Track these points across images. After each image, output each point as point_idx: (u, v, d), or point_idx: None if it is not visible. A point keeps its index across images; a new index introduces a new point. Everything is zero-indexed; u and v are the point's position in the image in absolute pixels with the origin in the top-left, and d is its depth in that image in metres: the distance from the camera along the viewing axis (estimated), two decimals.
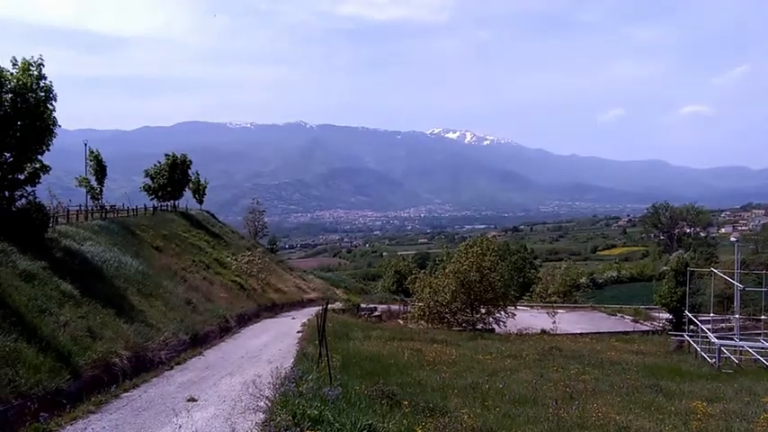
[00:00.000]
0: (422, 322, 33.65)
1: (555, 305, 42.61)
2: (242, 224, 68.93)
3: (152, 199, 44.05)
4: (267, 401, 9.74)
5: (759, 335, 27.28)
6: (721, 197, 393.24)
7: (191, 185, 49.58)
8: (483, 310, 34.34)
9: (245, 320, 27.44)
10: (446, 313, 33.59)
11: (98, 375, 12.72)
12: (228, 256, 38.38)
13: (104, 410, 10.83)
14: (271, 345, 19.78)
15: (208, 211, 54.89)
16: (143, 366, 14.81)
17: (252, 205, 68.42)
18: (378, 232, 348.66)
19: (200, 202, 53.26)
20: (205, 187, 53.64)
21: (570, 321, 38.93)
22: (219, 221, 56.44)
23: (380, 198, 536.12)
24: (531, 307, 47.73)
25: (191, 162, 46.86)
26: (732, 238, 34.31)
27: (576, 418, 11.13)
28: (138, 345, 15.45)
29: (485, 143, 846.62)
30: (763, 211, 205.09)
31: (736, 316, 27.43)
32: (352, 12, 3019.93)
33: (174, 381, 13.68)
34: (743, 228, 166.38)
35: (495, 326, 33.80)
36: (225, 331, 23.21)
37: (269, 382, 10.89)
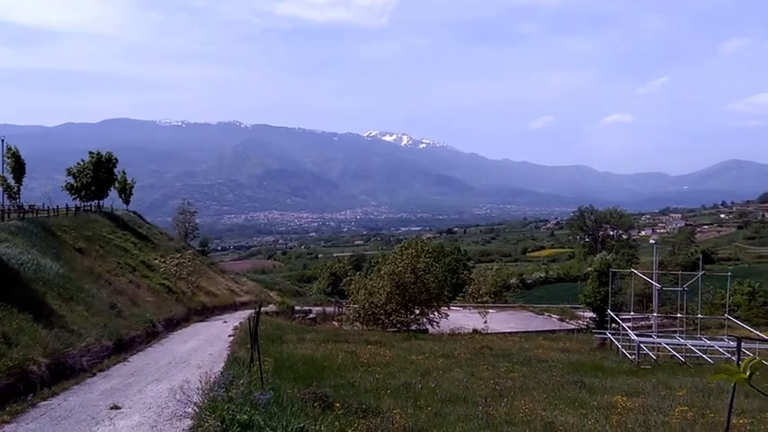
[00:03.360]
0: (357, 324, 33.65)
1: (486, 305, 43.56)
2: (171, 225, 66.76)
3: (74, 199, 42.07)
4: (195, 407, 9.49)
5: (675, 332, 28.93)
6: (642, 202, 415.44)
7: (116, 185, 47.61)
8: (417, 311, 34.72)
9: (173, 325, 26.57)
10: (381, 315, 33.74)
11: (14, 384, 12.01)
12: (156, 259, 37.07)
13: (20, 420, 10.23)
14: (200, 349, 19.25)
15: (135, 212, 52.85)
16: (63, 374, 14.08)
17: (182, 206, 66.36)
18: (313, 234, 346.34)
19: (127, 202, 51.20)
20: (132, 187, 51.59)
21: (501, 321, 39.98)
22: (147, 222, 54.46)
23: (316, 200, 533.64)
24: (464, 307, 48.66)
25: (116, 160, 45.08)
26: (651, 241, 36.45)
27: (505, 415, 11.42)
28: (58, 351, 14.68)
29: (421, 146, 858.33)
30: (680, 215, 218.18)
31: (654, 314, 29.01)
32: (291, 12, 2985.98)
33: (97, 388, 13.09)
34: (661, 231, 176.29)
35: (428, 326, 34.25)
36: (152, 336, 22.39)
37: (197, 388, 10.63)
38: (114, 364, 16.17)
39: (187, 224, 63.51)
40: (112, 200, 48.15)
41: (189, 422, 9.30)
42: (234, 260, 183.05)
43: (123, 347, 18.78)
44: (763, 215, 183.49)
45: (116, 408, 11.04)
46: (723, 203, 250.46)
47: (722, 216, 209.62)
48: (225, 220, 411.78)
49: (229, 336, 22.24)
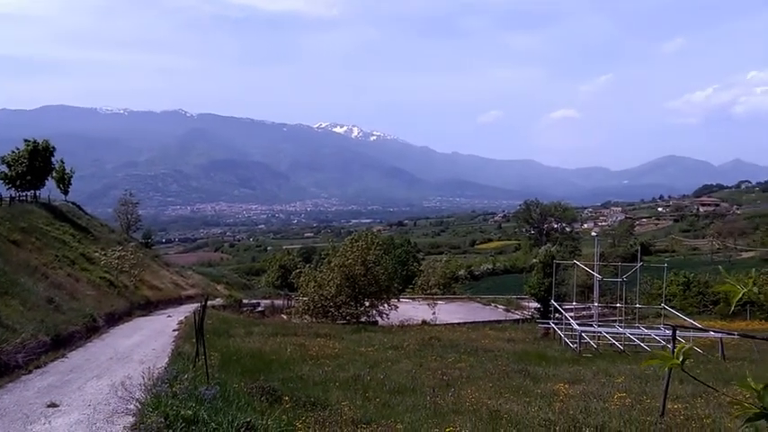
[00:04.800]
0: (306, 317, 33.51)
1: (435, 297, 44.10)
2: (113, 217, 64.55)
3: (9, 189, 40.20)
4: (137, 404, 9.23)
5: (615, 321, 30.03)
6: (585, 195, 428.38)
7: (54, 174, 45.67)
8: (367, 303, 34.83)
9: (115, 320, 25.75)
10: (330, 307, 33.69)
11: None
12: (97, 251, 35.83)
13: None
14: (143, 344, 18.74)
15: (74, 203, 50.86)
16: None
17: (124, 196, 64.17)
18: (262, 226, 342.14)
19: (65, 192, 49.20)
20: (71, 177, 49.57)
21: (449, 312, 40.53)
22: (87, 214, 52.52)
23: (265, 191, 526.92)
24: (414, 299, 49.10)
25: (54, 149, 43.28)
26: (593, 233, 37.62)
27: (452, 404, 11.60)
28: None
29: (371, 139, 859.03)
30: (620, 209, 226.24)
31: (595, 304, 30.02)
32: (241, 0, 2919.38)
33: (33, 385, 12.55)
34: (603, 224, 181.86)
35: (378, 318, 34.41)
36: (92, 331, 21.63)
37: (140, 384, 10.33)
38: (52, 361, 15.55)
39: (129, 216, 61.44)
40: (50, 190, 46.20)
41: (131, 419, 9.04)
42: (179, 253, 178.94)
43: (62, 343, 18.07)
44: (698, 209, 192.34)
45: (53, 405, 10.62)
46: (661, 197, 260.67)
47: (660, 210, 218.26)
48: (169, 211, 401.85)
49: (174, 330, 21.73)
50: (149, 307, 33.60)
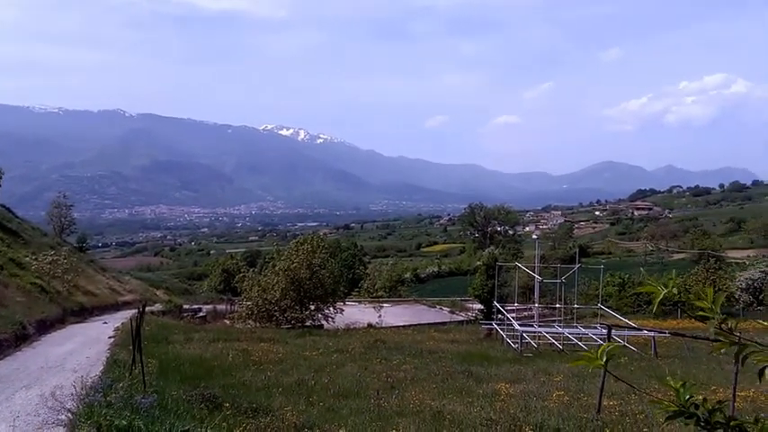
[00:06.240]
0: (250, 322, 32.92)
1: (381, 300, 44.24)
2: (45, 220, 61.72)
3: None
4: (69, 414, 8.84)
5: (554, 321, 30.89)
6: (526, 199, 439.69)
7: None
8: (312, 307, 34.53)
9: (47, 327, 24.58)
10: (275, 311, 33.21)
11: None
12: (27, 256, 34.13)
13: None
14: (77, 352, 17.96)
15: (3, 205, 48.36)
16: None
17: (57, 199, 61.40)
18: (205, 229, 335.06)
19: None
20: (0, 178, 47.14)
21: (395, 315, 40.72)
22: (17, 217, 50.02)
23: (209, 194, 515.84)
24: (360, 302, 49.07)
25: None
26: (534, 236, 38.67)
27: (396, 407, 11.64)
28: None
29: (318, 141, 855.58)
30: (560, 213, 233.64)
31: (536, 305, 30.80)
32: None
33: None
34: (543, 227, 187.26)
35: (323, 322, 34.18)
36: (22, 339, 20.57)
37: (72, 394, 9.91)
38: None
39: (63, 219, 58.88)
40: None
41: (62, 430, 8.65)
42: (117, 257, 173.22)
43: None
44: (633, 213, 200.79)
45: None
46: (598, 202, 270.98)
47: (597, 213, 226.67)
48: (106, 214, 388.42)
49: (110, 337, 20.93)
50: (84, 313, 32.26)
